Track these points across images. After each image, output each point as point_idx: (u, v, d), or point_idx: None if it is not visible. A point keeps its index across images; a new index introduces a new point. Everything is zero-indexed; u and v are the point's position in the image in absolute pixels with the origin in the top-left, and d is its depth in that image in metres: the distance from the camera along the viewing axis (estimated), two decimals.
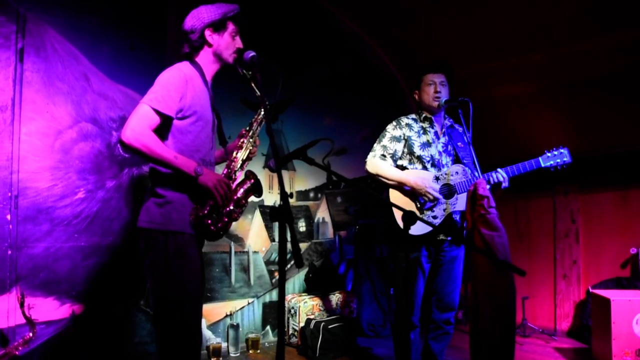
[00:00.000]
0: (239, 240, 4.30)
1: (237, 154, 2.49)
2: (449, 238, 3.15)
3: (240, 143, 2.52)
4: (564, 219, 5.09)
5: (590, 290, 4.47)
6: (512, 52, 4.71)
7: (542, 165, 3.07)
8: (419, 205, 3.13)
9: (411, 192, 3.11)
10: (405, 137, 3.24)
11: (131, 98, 3.73)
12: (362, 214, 4.91)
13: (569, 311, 5.02)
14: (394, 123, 3.31)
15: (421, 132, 3.27)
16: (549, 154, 3.09)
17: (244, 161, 2.51)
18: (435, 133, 3.29)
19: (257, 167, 4.29)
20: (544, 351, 4.46)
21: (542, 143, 5.01)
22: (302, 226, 4.78)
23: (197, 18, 2.38)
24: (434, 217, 3.10)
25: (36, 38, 3.40)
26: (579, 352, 4.45)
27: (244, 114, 4.18)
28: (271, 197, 4.54)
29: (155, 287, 2.27)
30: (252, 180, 2.47)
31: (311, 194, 4.84)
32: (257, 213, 4.44)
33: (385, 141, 3.24)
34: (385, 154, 3.22)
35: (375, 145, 3.28)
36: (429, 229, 3.04)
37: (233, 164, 2.47)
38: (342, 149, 5.08)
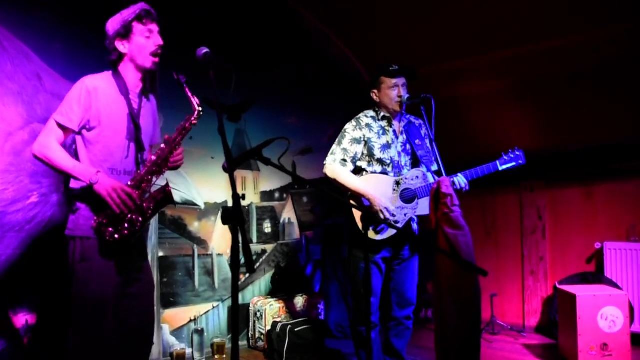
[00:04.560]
0: (202, 242, 4.19)
1: (152, 161, 2.47)
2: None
3: (157, 150, 2.50)
4: (530, 215, 5.11)
5: (557, 285, 4.48)
6: (476, 50, 4.70)
7: (500, 168, 3.19)
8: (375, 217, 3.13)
9: (369, 206, 3.11)
10: (365, 139, 3.22)
11: None
12: (329, 213, 4.84)
13: (537, 307, 5.04)
14: (354, 123, 3.28)
15: (381, 132, 3.25)
16: (505, 157, 3.20)
17: (158, 168, 2.47)
18: (394, 132, 3.29)
19: (218, 168, 4.21)
20: (512, 348, 4.47)
21: (507, 140, 5.02)
22: (267, 227, 4.69)
23: (107, 33, 2.49)
24: (396, 222, 3.11)
25: None
26: (546, 348, 4.47)
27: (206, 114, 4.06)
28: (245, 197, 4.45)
29: (68, 290, 2.39)
30: (162, 195, 2.45)
31: (276, 195, 4.76)
32: (220, 214, 4.33)
33: (345, 143, 3.22)
34: (345, 157, 3.20)
35: (334, 147, 3.24)
36: (391, 233, 3.10)
37: (145, 171, 2.45)
38: (307, 148, 5.00)
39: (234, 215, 1.88)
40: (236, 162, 2.17)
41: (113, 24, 2.47)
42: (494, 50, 4.61)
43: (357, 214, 3.09)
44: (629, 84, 4.19)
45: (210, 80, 2.29)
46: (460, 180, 3.09)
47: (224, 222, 1.89)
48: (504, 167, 3.18)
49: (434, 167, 3.20)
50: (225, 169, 2.05)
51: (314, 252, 4.97)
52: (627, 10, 3.80)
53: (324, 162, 3.25)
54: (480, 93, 4.98)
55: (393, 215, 3.09)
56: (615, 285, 4.38)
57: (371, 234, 3.09)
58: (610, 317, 3.84)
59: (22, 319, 3.27)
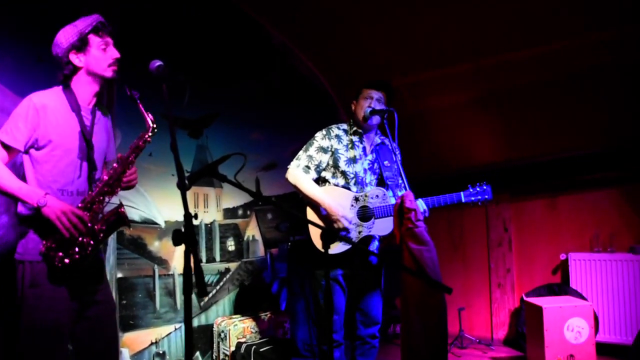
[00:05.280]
0: (163, 262, 4.05)
1: (103, 181, 2.36)
2: (370, 258, 3.20)
3: (110, 170, 2.40)
4: (496, 227, 5.12)
5: (524, 298, 4.48)
6: (441, 63, 4.72)
7: (463, 200, 3.17)
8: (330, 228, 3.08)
9: (326, 215, 3.06)
10: (333, 150, 3.19)
11: None
12: (295, 230, 4.75)
13: (505, 320, 5.03)
14: (324, 132, 3.25)
15: (349, 146, 3.21)
16: (471, 190, 3.18)
17: (110, 188, 2.36)
18: (364, 149, 3.25)
19: (172, 184, 4.11)
20: None
21: (473, 153, 5.08)
22: (230, 245, 4.56)
23: (57, 45, 2.37)
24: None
25: None
26: None
27: (165, 129, 3.97)
28: (198, 216, 4.33)
29: (16, 317, 2.26)
30: (114, 217, 2.35)
31: (240, 212, 4.64)
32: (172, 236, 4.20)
33: (311, 151, 3.18)
34: (309, 165, 3.16)
35: (300, 153, 3.21)
36: (344, 248, 3.05)
37: (97, 191, 2.34)
38: (271, 163, 4.91)
39: (186, 236, 1.79)
40: (191, 180, 2.10)
41: (67, 36, 2.36)
42: (458, 62, 4.65)
43: (313, 231, 3.07)
44: (595, 95, 4.25)
45: (163, 94, 2.23)
46: (420, 205, 3.06)
47: (175, 244, 1.80)
48: (468, 199, 3.15)
49: (400, 193, 3.16)
50: (178, 187, 1.96)
51: (279, 270, 4.87)
52: (596, 21, 3.85)
53: (288, 167, 3.21)
54: (445, 106, 5.00)
55: (351, 226, 3.05)
56: (581, 296, 4.40)
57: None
58: (576, 328, 3.85)
59: None
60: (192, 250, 1.77)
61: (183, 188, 1.89)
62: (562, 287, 4.63)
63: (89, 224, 2.27)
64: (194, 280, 1.76)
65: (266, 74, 5.08)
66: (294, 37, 5.13)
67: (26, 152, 2.30)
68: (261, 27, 4.97)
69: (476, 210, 5.23)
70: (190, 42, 4.32)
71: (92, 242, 2.29)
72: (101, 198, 2.35)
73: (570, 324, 3.86)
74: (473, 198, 3.15)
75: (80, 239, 2.26)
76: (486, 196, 3.16)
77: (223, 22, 4.66)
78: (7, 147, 2.26)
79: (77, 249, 2.25)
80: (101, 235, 2.33)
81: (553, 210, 4.86)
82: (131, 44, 3.07)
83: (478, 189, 3.16)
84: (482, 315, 5.17)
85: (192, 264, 1.75)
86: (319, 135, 3.24)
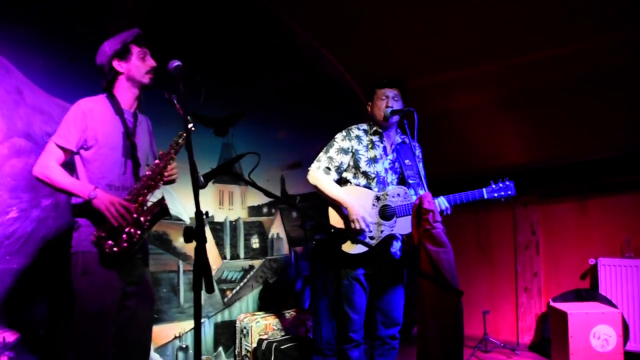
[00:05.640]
0: (187, 258, 4.13)
1: (147, 176, 2.57)
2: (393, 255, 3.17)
3: (152, 165, 2.60)
4: (524, 230, 5.03)
5: (550, 302, 4.40)
6: (469, 61, 4.66)
7: (485, 196, 3.11)
8: (351, 228, 3.08)
9: (347, 214, 3.07)
10: (353, 150, 3.19)
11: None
12: (319, 229, 4.78)
13: (531, 324, 4.95)
14: (344, 133, 3.25)
15: (369, 146, 3.21)
16: (493, 186, 3.12)
17: (154, 182, 2.56)
18: (384, 149, 3.24)
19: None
20: None
21: (501, 153, 5.00)
22: (255, 242, 4.62)
23: (102, 54, 2.62)
24: (371, 238, 3.06)
25: None
26: None
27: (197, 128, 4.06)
28: (222, 213, 4.39)
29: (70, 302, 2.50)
30: (158, 208, 2.52)
31: (264, 209, 4.69)
32: (207, 230, 4.28)
33: (332, 152, 3.19)
34: (330, 166, 3.17)
35: (321, 154, 3.22)
36: (365, 248, 3.03)
37: (141, 185, 2.54)
38: (296, 162, 4.94)
39: (196, 234, 1.83)
40: (207, 178, 2.14)
41: (111, 45, 2.61)
42: (487, 61, 4.58)
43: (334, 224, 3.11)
44: (627, 95, 4.13)
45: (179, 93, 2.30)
46: (442, 202, 3.04)
47: (186, 241, 1.84)
48: (491, 196, 3.09)
49: (422, 191, 3.15)
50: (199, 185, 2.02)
51: (303, 268, 4.90)
52: (625, 20, 3.75)
53: (308, 168, 3.22)
54: (473, 105, 4.94)
55: (369, 228, 3.04)
56: (610, 303, 4.28)
57: (346, 247, 3.04)
58: (603, 336, 3.75)
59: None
60: (201, 248, 1.80)
61: (196, 186, 1.94)
62: (590, 293, 4.52)
63: (135, 215, 2.47)
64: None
65: (292, 73, 5.12)
66: (320, 36, 5.14)
67: (77, 152, 2.54)
68: (287, 26, 4.99)
69: (503, 212, 5.15)
70: (217, 42, 4.39)
71: (138, 232, 2.48)
72: (145, 191, 2.54)
73: (596, 332, 3.76)
74: (496, 194, 3.09)
75: (127, 229, 2.45)
76: (509, 192, 3.10)
77: (249, 22, 4.71)
78: (62, 149, 2.50)
79: (124, 237, 2.45)
80: (146, 224, 2.51)
81: (582, 214, 4.75)
82: (158, 43, 3.15)
83: (501, 184, 3.11)
84: (508, 319, 5.10)
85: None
86: (339, 136, 3.25)
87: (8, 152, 3.36)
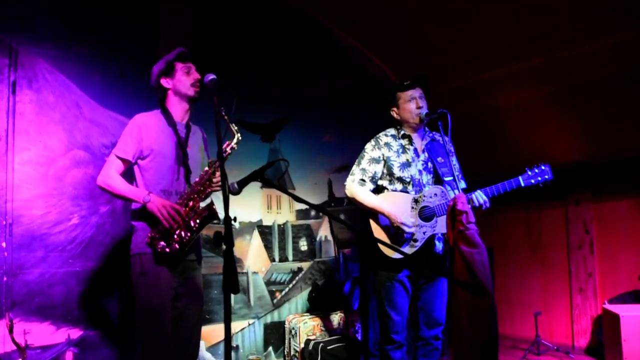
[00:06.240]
0: (237, 261, 4.29)
1: (196, 182, 2.76)
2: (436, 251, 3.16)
3: (202, 173, 2.78)
4: (577, 229, 4.89)
5: (605, 304, 4.26)
6: (514, 58, 4.60)
7: (522, 184, 3.03)
8: (394, 234, 3.12)
9: (388, 224, 3.12)
10: (385, 158, 3.22)
11: (122, 123, 3.74)
12: (368, 231, 4.84)
13: (587, 327, 4.80)
14: (373, 143, 3.30)
15: (400, 151, 3.23)
16: (529, 172, 3.04)
17: (202, 188, 2.74)
18: (415, 150, 3.25)
19: (255, 187, 4.36)
20: None
21: (551, 149, 4.88)
22: (303, 245, 4.73)
23: (152, 75, 2.85)
24: (415, 241, 3.08)
25: (28, 70, 3.50)
26: None
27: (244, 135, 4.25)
28: (270, 217, 4.53)
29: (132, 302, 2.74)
30: (207, 212, 2.69)
31: (312, 212, 4.80)
32: (256, 233, 4.43)
33: (364, 164, 3.25)
34: (364, 178, 3.22)
35: (354, 168, 3.29)
36: (411, 251, 3.07)
37: (191, 190, 2.74)
38: (343, 165, 5.01)
39: (225, 238, 1.95)
40: (241, 185, 2.24)
41: (158, 66, 2.84)
42: (532, 57, 4.50)
43: (376, 233, 3.16)
44: None
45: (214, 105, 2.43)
46: (479, 196, 3.00)
47: (216, 245, 1.97)
48: (528, 182, 3.00)
49: (462, 185, 3.14)
50: (230, 191, 2.13)
51: (352, 270, 4.96)
52: None
53: (344, 183, 3.28)
54: (521, 101, 4.85)
55: (412, 230, 3.06)
56: None
57: (389, 252, 3.07)
58: None
59: (64, 334, 3.46)
60: (229, 251, 1.92)
61: (225, 193, 2.05)
62: None
63: (185, 218, 2.65)
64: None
65: (336, 76, 5.20)
66: (363, 38, 5.19)
67: (135, 162, 2.78)
68: (329, 30, 5.08)
69: (555, 210, 5.03)
70: (262, 50, 4.55)
71: (188, 234, 2.65)
72: (195, 196, 2.73)
73: None
74: (532, 180, 3.01)
75: (178, 231, 2.64)
76: (546, 176, 3.00)
77: (293, 29, 4.83)
78: (121, 160, 2.74)
79: (176, 238, 2.64)
80: (195, 227, 2.68)
81: (639, 212, 4.57)
82: (208, 56, 3.33)
83: (536, 170, 3.02)
84: (562, 322, 4.96)
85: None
86: (368, 146, 3.29)
87: (70, 163, 3.63)
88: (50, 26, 3.57)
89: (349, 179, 3.26)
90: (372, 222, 3.22)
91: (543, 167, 3.04)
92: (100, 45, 3.78)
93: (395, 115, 3.32)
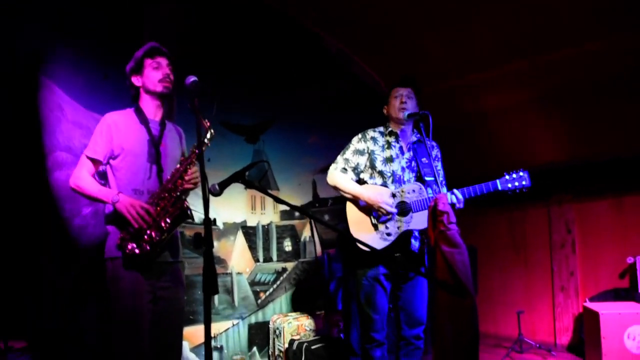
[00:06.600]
0: (221, 261, 4.29)
1: (167, 179, 2.67)
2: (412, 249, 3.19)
3: (173, 170, 2.69)
4: (559, 229, 4.95)
5: (586, 302, 4.32)
6: (499, 61, 4.64)
7: (499, 188, 3.03)
8: (373, 221, 3.14)
9: (366, 207, 3.14)
10: (369, 151, 3.27)
11: None
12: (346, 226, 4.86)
13: (569, 324, 4.86)
14: (360, 136, 3.35)
15: (385, 146, 3.28)
16: (507, 177, 3.04)
17: (174, 185, 2.63)
18: (400, 148, 3.29)
19: (239, 188, 4.35)
20: None
21: (534, 152, 4.94)
22: (287, 245, 4.74)
23: (126, 74, 2.82)
24: (388, 235, 3.11)
25: None
26: None
27: (224, 136, 4.26)
28: (254, 218, 4.54)
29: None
30: (178, 211, 2.59)
31: (296, 213, 4.81)
32: (240, 234, 4.43)
33: (348, 154, 3.31)
34: (346, 167, 3.28)
35: (338, 157, 3.35)
36: (383, 245, 3.09)
37: (161, 188, 2.64)
38: (327, 166, 4.90)
39: (205, 240, 1.96)
40: (222, 186, 2.24)
41: (128, 65, 2.80)
42: (516, 60, 4.54)
43: (351, 224, 3.19)
44: None
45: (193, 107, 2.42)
46: (453, 196, 3.02)
47: (195, 247, 1.97)
48: (505, 187, 3.01)
49: (444, 190, 3.17)
50: (210, 192, 2.13)
51: (336, 270, 4.98)
52: None
53: (327, 172, 3.32)
54: (504, 105, 4.90)
55: (393, 211, 3.08)
56: None
57: (370, 241, 3.09)
58: (638, 337, 3.67)
59: None
60: (208, 253, 1.93)
61: (205, 195, 2.05)
62: (629, 292, 4.41)
63: (156, 217, 2.55)
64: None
65: (324, 79, 5.21)
66: (351, 42, 5.21)
67: (107, 163, 2.72)
68: (316, 35, 5.09)
69: (538, 211, 5.09)
70: (248, 51, 4.55)
71: (159, 234, 2.56)
72: (166, 195, 2.62)
73: (631, 332, 3.68)
74: (510, 185, 3.01)
75: (148, 231, 2.53)
76: (524, 182, 3.00)
77: (279, 32, 4.84)
78: (92, 160, 2.69)
79: (146, 238, 2.54)
80: (167, 227, 2.57)
81: (619, 212, 4.64)
82: (194, 57, 3.30)
83: (514, 175, 3.02)
84: (544, 320, 5.02)
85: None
86: (355, 139, 3.35)
87: (51, 165, 3.60)
88: (33, 28, 3.55)
89: (332, 167, 3.32)
90: (349, 205, 3.23)
91: (522, 173, 3.03)
92: (84, 46, 3.75)
93: (385, 112, 3.39)
